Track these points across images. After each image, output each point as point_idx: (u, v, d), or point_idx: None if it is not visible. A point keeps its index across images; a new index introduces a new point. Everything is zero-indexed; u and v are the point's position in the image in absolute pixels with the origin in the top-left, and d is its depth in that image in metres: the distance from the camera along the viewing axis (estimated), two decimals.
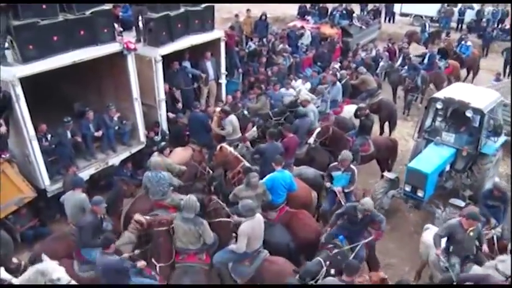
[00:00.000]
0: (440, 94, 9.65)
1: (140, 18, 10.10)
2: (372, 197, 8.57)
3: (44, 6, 7.87)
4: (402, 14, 24.59)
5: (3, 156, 7.90)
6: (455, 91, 9.61)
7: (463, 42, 16.77)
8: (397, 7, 24.28)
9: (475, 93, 9.49)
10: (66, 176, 8.31)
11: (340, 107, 11.48)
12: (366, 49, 16.77)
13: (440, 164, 8.92)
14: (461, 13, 22.93)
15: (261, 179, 7.44)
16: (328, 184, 7.95)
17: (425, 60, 14.76)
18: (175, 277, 6.29)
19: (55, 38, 8.07)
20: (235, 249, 6.24)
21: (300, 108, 10.06)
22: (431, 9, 23.63)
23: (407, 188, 8.85)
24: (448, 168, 9.30)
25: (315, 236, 7.14)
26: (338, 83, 12.00)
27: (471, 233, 6.38)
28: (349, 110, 11.25)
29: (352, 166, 7.93)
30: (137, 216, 6.66)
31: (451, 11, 22.92)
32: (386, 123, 12.25)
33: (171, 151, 8.69)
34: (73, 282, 5.41)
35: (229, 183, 8.22)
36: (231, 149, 8.62)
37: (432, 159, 8.93)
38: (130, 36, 9.71)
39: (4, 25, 7.64)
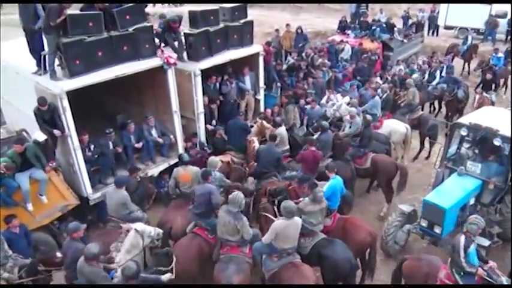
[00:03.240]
0: (465, 119, 8.68)
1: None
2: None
3: (90, 24, 8.29)
4: (447, 27, 23.86)
5: (50, 164, 8.36)
6: (483, 116, 8.67)
7: (494, 54, 16.46)
8: (441, 20, 23.63)
9: (505, 119, 8.35)
10: (129, 179, 8.78)
11: (380, 121, 11.35)
12: (408, 63, 16.58)
13: (462, 198, 8.00)
14: (510, 24, 22.06)
15: (257, 177, 8.60)
16: None
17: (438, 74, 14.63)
18: (220, 265, 6.66)
19: (100, 54, 8.46)
20: (263, 239, 6.64)
21: (324, 122, 10.20)
22: (478, 21, 22.47)
23: (424, 223, 8.06)
24: (472, 201, 8.31)
25: (371, 237, 7.43)
26: (377, 96, 11.94)
27: None
28: (388, 125, 11.15)
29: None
30: None
31: (495, 22, 21.84)
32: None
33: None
34: None
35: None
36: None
37: (453, 191, 8.03)
38: (170, 51, 10.03)
39: (55, 43, 8.11)
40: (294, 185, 8.21)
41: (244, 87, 11.59)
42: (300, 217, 6.98)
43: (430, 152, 12.03)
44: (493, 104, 12.77)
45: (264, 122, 10.45)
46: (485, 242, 7.60)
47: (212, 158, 8.41)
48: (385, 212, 9.74)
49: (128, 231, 6.48)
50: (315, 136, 10.08)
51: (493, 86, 14.61)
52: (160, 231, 6.85)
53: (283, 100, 11.99)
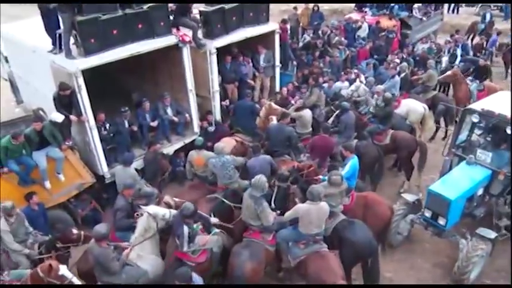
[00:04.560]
0: (477, 105, 8.19)
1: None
2: None
3: (105, 2, 8.24)
4: (467, 4, 23.27)
5: (66, 143, 8.43)
6: (497, 102, 8.12)
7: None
8: None
9: None
10: (147, 152, 9.14)
11: (398, 101, 11.10)
12: (426, 41, 16.21)
13: (470, 188, 7.60)
14: None
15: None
16: None
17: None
18: (237, 249, 6.63)
19: (114, 32, 8.41)
20: (282, 218, 6.66)
21: (344, 103, 10.02)
22: None
23: (427, 214, 7.66)
24: (481, 191, 7.89)
25: (391, 211, 7.60)
26: (397, 76, 11.74)
27: None
28: (406, 104, 10.95)
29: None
30: (166, 199, 7.15)
31: None
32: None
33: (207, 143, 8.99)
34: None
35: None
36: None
37: (460, 181, 7.61)
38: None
39: (70, 21, 8.10)
40: (314, 167, 8.12)
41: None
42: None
43: (446, 133, 11.78)
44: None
45: (272, 104, 10.22)
46: (491, 234, 7.25)
47: (217, 145, 8.11)
48: (406, 188, 9.72)
49: (141, 214, 6.52)
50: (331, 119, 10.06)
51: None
52: (175, 211, 6.70)
53: (311, 82, 11.59)
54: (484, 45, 15.93)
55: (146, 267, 6.35)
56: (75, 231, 6.77)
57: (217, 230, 6.85)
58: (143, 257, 6.39)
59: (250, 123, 10.16)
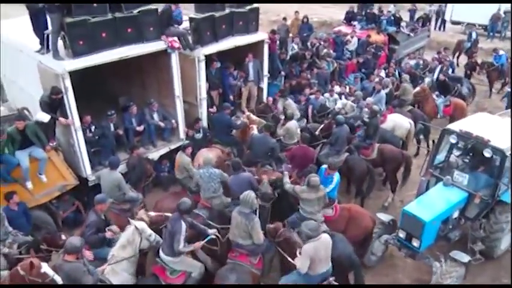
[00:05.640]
0: (456, 125, 8.08)
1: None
2: None
3: (94, 5, 8.23)
4: (453, 22, 23.69)
5: (50, 144, 8.38)
6: (475, 123, 8.07)
7: (494, 53, 16.32)
8: (448, 14, 23.44)
9: (499, 128, 7.82)
10: (130, 157, 9.12)
11: (384, 116, 11.17)
12: (414, 57, 16.48)
13: (445, 210, 7.46)
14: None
15: (249, 166, 8.30)
16: None
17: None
18: (222, 272, 6.40)
19: (104, 35, 8.41)
20: (298, 267, 5.90)
21: (339, 116, 10.05)
22: (484, 17, 22.14)
23: (401, 235, 7.45)
24: (456, 214, 7.76)
25: (373, 223, 7.69)
26: (382, 91, 11.87)
27: None
28: (392, 119, 11.05)
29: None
30: (140, 214, 6.86)
31: (497, 15, 21.77)
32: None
33: (193, 151, 8.89)
34: None
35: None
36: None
37: (436, 203, 7.47)
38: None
39: (58, 22, 8.08)
40: (295, 177, 8.16)
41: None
42: (298, 203, 7.04)
43: (428, 152, 11.86)
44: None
45: (251, 115, 10.31)
46: (465, 258, 7.13)
47: (206, 156, 8.06)
48: (390, 201, 9.80)
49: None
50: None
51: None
52: (160, 239, 6.39)
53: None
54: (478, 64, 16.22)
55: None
56: (63, 237, 6.63)
57: (213, 236, 6.57)
58: (118, 273, 6.05)
59: (227, 138, 10.18)
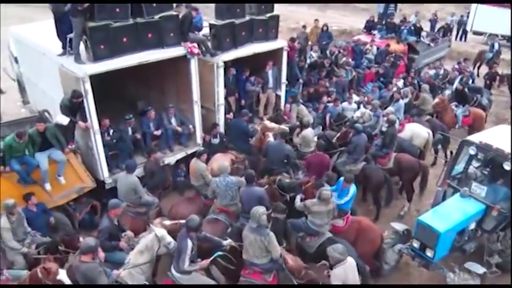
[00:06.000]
0: (475, 137, 8.05)
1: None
2: None
3: (117, 10, 8.33)
4: (475, 33, 23.41)
5: (69, 146, 8.49)
6: (495, 135, 8.04)
7: None
8: (469, 25, 23.14)
9: None
10: (147, 161, 9.09)
11: (402, 125, 11.18)
12: (434, 67, 16.33)
13: (461, 222, 7.39)
14: None
15: (266, 173, 8.34)
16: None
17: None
18: None
19: (124, 40, 8.50)
20: None
21: (357, 125, 10.07)
22: (506, 28, 21.24)
23: (416, 244, 7.45)
24: (473, 226, 7.69)
25: (381, 239, 7.59)
26: (401, 100, 11.82)
27: None
28: (411, 129, 11.00)
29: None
30: (155, 224, 6.80)
31: None
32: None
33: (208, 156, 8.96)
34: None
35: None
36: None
37: (452, 214, 7.40)
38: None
39: (81, 26, 8.19)
40: (313, 183, 8.14)
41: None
42: (306, 216, 7.06)
43: (445, 163, 11.66)
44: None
45: (267, 122, 10.20)
46: (480, 270, 7.10)
47: (221, 164, 7.99)
48: (406, 210, 9.74)
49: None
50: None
51: None
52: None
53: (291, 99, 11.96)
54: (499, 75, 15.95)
55: None
56: (81, 239, 6.67)
57: (221, 253, 6.40)
58: (134, 276, 6.07)
59: (243, 145, 10.20)
